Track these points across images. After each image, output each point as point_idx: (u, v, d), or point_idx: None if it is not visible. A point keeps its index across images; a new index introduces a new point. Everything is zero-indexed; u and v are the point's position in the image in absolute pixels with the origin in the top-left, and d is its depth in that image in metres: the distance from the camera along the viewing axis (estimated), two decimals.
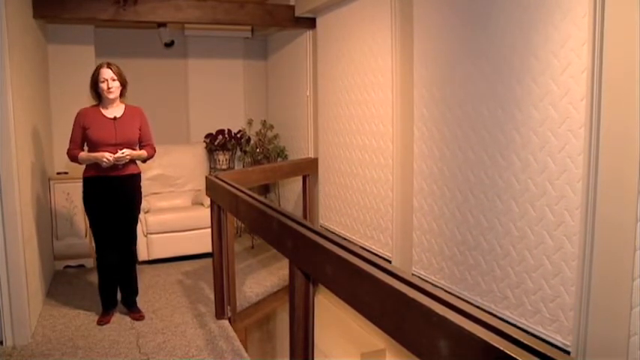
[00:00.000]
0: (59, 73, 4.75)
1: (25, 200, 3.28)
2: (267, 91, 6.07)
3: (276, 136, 5.56)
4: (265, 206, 2.35)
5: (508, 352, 0.98)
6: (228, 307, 3.43)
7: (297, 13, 4.68)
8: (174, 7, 4.28)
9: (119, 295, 3.55)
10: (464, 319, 1.10)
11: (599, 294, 2.20)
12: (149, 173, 4.99)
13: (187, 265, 4.62)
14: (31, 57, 3.82)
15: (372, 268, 1.45)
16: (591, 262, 2.21)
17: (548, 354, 0.97)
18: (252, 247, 5.15)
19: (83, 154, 3.26)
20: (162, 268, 4.54)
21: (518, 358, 0.96)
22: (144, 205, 3.77)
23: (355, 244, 1.76)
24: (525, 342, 1.01)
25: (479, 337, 1.03)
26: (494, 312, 2.77)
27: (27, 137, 3.49)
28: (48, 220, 4.23)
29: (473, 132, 2.88)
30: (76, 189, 4.26)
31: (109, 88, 3.21)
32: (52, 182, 4.34)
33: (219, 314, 3.44)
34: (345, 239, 1.91)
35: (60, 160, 4.42)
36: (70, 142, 3.28)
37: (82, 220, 4.43)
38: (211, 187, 3.35)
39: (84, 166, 3.33)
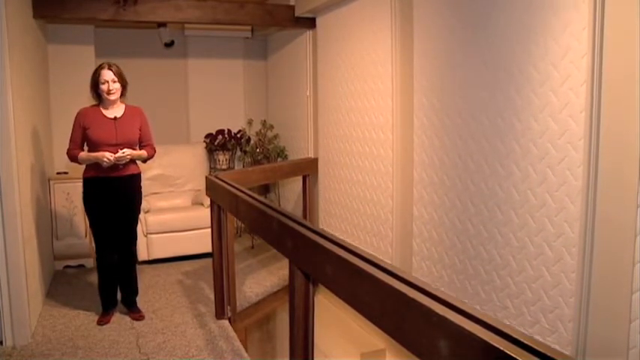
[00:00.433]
0: (59, 73, 4.75)
1: (25, 200, 3.28)
2: (267, 91, 6.07)
3: (276, 136, 5.55)
4: (265, 206, 2.35)
5: (508, 352, 0.98)
6: (228, 307, 3.43)
7: (297, 13, 4.68)
8: (174, 7, 4.28)
9: (119, 295, 3.55)
10: (464, 319, 1.10)
11: (598, 305, 2.20)
12: (149, 173, 4.98)
13: (187, 265, 4.62)
14: (31, 57, 3.82)
15: (372, 268, 1.45)
16: (590, 274, 2.22)
17: (548, 354, 0.97)
18: (252, 247, 5.15)
19: (83, 154, 3.25)
20: (162, 268, 4.54)
21: (518, 358, 0.96)
22: (144, 205, 3.77)
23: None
24: (525, 342, 1.01)
25: (479, 337, 1.03)
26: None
27: (27, 137, 3.49)
28: (48, 220, 4.23)
29: (473, 141, 2.88)
30: (76, 189, 4.26)
31: (109, 90, 3.21)
32: (52, 182, 4.34)
33: (219, 314, 3.44)
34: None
35: (60, 160, 4.42)
36: (70, 142, 3.28)
37: (81, 220, 4.43)
38: (211, 187, 3.35)
39: (84, 167, 3.33)
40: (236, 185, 2.99)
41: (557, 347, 2.40)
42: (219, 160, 5.54)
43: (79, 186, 3.43)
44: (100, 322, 3.36)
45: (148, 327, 3.34)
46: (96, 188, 3.28)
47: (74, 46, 4.86)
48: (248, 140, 5.66)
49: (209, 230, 3.49)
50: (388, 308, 1.34)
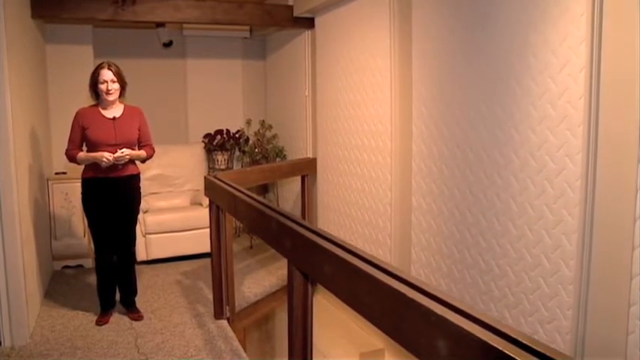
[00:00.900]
0: (57, 73, 4.75)
1: (24, 201, 3.28)
2: (266, 91, 6.07)
3: (274, 136, 5.55)
4: (264, 206, 2.35)
5: (507, 352, 0.98)
6: (227, 307, 3.43)
7: (296, 13, 4.68)
8: (173, 7, 4.28)
9: (118, 296, 3.55)
10: (463, 318, 1.10)
11: (597, 293, 2.20)
12: (148, 173, 4.98)
13: (186, 265, 4.61)
14: (30, 57, 3.82)
15: (371, 268, 1.45)
16: (590, 261, 2.22)
17: (547, 354, 0.97)
18: (251, 247, 5.15)
19: (82, 154, 3.25)
20: (160, 268, 4.54)
21: (517, 357, 0.96)
22: (142, 205, 3.77)
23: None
24: (524, 342, 1.01)
25: (478, 337, 1.03)
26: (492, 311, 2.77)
27: (25, 138, 3.49)
28: (46, 221, 4.23)
29: (472, 130, 2.88)
30: (75, 189, 4.26)
31: (108, 90, 3.20)
32: (50, 182, 4.33)
33: (218, 314, 3.43)
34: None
35: (58, 161, 4.41)
36: (69, 142, 3.27)
37: (80, 221, 4.43)
38: (210, 187, 3.35)
39: (82, 167, 3.32)
40: (235, 185, 2.99)
41: (556, 334, 2.41)
42: (217, 160, 5.54)
43: (77, 186, 3.43)
44: (99, 323, 3.36)
45: (146, 327, 3.34)
46: (95, 189, 3.28)
47: (73, 46, 4.86)
48: (247, 140, 5.66)
49: (208, 230, 3.49)
50: (387, 308, 1.34)
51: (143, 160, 3.45)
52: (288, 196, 5.48)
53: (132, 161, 3.35)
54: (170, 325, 3.38)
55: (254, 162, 5.45)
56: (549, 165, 2.41)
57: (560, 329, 2.38)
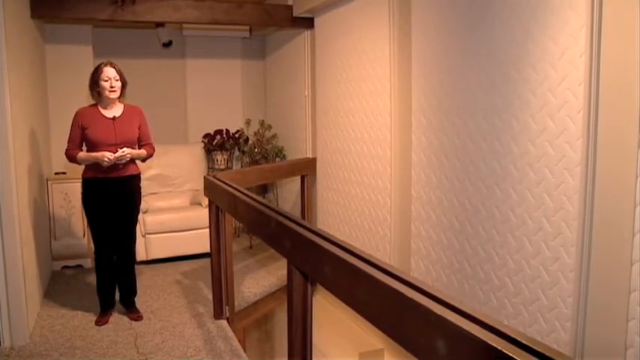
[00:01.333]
0: (57, 73, 4.75)
1: (23, 201, 3.28)
2: (266, 91, 6.07)
3: (274, 136, 5.55)
4: (263, 206, 2.35)
5: (506, 352, 0.98)
6: (227, 307, 3.42)
7: (296, 13, 4.68)
8: (173, 7, 4.28)
9: (117, 296, 3.55)
10: (462, 318, 1.10)
11: (596, 307, 2.21)
12: (147, 173, 4.98)
13: (185, 265, 4.61)
14: (29, 57, 3.81)
15: (370, 267, 1.45)
16: (588, 274, 2.22)
17: (547, 353, 0.97)
18: (251, 247, 5.15)
19: (82, 154, 3.25)
20: (160, 269, 4.54)
21: (516, 357, 0.96)
22: (142, 205, 3.77)
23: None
24: (524, 342, 1.01)
25: (477, 337, 1.03)
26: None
27: (25, 138, 3.49)
28: (46, 221, 4.22)
29: (470, 141, 2.88)
30: (74, 189, 4.26)
31: (111, 87, 3.20)
32: (50, 182, 4.33)
33: (218, 314, 3.43)
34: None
35: (58, 161, 4.41)
36: (69, 142, 3.27)
37: (80, 221, 4.43)
38: (209, 187, 3.35)
39: (82, 167, 3.32)
40: (234, 185, 2.99)
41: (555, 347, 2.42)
42: (217, 160, 5.53)
43: (77, 186, 3.43)
44: (98, 323, 3.36)
45: (146, 327, 3.34)
46: (95, 189, 3.27)
47: (72, 46, 4.86)
48: (246, 140, 5.65)
49: (207, 230, 3.49)
50: (386, 308, 1.34)
51: (144, 160, 3.45)
52: (287, 196, 5.48)
53: (132, 161, 3.35)
54: (170, 325, 3.38)
55: (254, 162, 5.45)
56: (548, 177, 2.42)
57: (561, 317, 2.38)
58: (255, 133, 5.59)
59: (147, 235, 4.61)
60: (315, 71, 4.75)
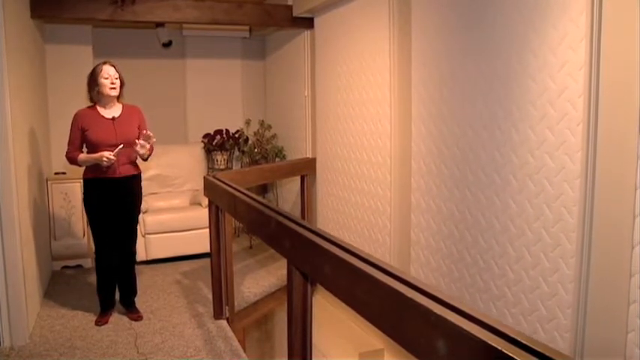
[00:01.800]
0: (57, 74, 4.74)
1: (23, 201, 3.28)
2: (265, 91, 6.07)
3: (274, 136, 5.55)
4: (263, 206, 2.35)
5: (506, 352, 0.98)
6: (227, 307, 3.42)
7: (295, 13, 4.68)
8: (173, 7, 4.28)
9: (117, 296, 3.55)
10: (462, 318, 1.10)
11: (597, 291, 2.20)
12: (147, 173, 4.97)
13: (185, 266, 4.61)
14: (29, 57, 3.81)
15: (370, 267, 1.45)
16: (589, 259, 2.22)
17: (547, 353, 0.97)
18: (251, 247, 5.15)
19: (83, 156, 3.24)
20: (160, 269, 4.54)
21: (516, 357, 0.96)
22: (142, 205, 3.76)
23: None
24: (524, 341, 1.01)
25: (477, 337, 1.03)
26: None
27: (25, 138, 3.49)
28: (46, 221, 4.22)
29: (471, 129, 2.88)
30: (74, 189, 4.26)
31: (112, 84, 3.21)
32: (49, 183, 4.33)
33: (218, 314, 3.43)
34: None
35: (58, 161, 4.41)
36: (69, 144, 3.26)
37: (80, 221, 4.42)
38: (209, 187, 3.35)
39: (83, 168, 3.32)
40: (234, 185, 2.99)
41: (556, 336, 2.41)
42: (217, 160, 5.53)
43: (77, 186, 3.43)
44: (98, 323, 3.36)
45: (146, 327, 3.34)
46: (96, 189, 3.27)
47: (72, 46, 4.86)
48: (246, 140, 5.65)
49: (207, 230, 3.49)
50: (386, 308, 1.34)
51: (145, 158, 3.45)
52: (287, 196, 5.48)
53: (133, 161, 3.35)
54: (169, 325, 3.38)
55: (253, 162, 5.45)
56: (548, 164, 2.41)
57: (559, 328, 2.38)
58: (255, 133, 5.59)
59: (147, 235, 4.61)
60: (315, 71, 4.75)
